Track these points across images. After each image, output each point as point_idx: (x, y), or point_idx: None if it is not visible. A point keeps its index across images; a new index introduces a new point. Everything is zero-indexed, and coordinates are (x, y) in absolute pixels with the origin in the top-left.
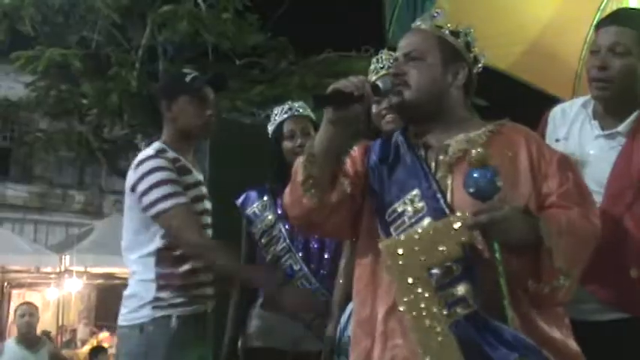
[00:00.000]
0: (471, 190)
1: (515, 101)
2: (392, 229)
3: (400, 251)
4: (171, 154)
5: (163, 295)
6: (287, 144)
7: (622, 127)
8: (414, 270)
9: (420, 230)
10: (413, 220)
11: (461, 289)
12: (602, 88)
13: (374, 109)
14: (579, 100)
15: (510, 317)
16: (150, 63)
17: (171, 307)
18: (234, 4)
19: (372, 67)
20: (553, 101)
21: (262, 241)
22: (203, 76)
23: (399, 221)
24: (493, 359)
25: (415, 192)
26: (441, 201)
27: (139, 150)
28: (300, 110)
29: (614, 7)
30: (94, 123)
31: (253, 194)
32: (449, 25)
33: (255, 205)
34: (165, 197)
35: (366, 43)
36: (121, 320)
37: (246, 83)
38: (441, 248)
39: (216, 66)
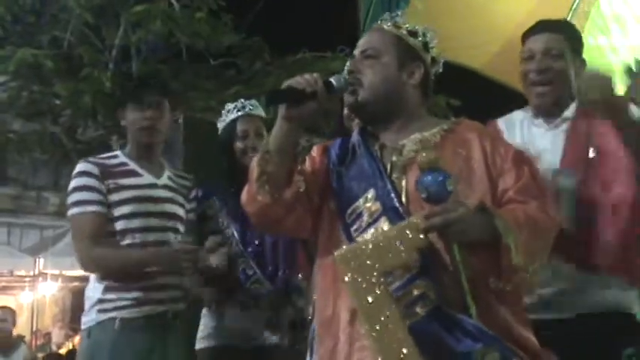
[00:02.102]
0: (423, 195)
1: (489, 101)
2: (352, 230)
3: (353, 262)
4: (121, 159)
5: (109, 296)
6: (239, 144)
7: (568, 112)
8: (369, 279)
9: (373, 238)
10: (370, 221)
11: (419, 288)
12: (543, 93)
13: (345, 110)
14: (517, 111)
15: (474, 314)
16: (123, 63)
17: (116, 309)
18: (208, 3)
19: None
20: (522, 97)
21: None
22: (140, 80)
23: (358, 223)
24: (458, 352)
25: (371, 193)
26: (395, 201)
27: (113, 151)
28: (252, 109)
29: (585, 8)
30: (68, 124)
31: (199, 193)
32: (407, 25)
33: (202, 205)
34: (74, 204)
35: (341, 43)
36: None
37: (221, 83)
38: (395, 255)
39: (190, 66)
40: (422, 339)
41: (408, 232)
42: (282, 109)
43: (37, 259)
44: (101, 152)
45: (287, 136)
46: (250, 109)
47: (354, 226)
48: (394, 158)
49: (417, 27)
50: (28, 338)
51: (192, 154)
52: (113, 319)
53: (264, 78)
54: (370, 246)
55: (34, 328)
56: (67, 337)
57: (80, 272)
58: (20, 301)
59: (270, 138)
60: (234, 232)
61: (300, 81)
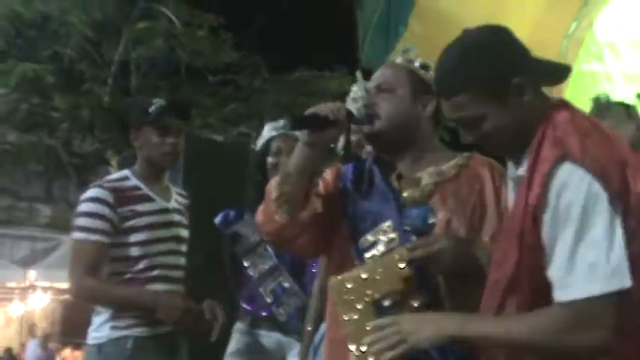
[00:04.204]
0: (407, 228)
1: None
2: (365, 257)
3: (347, 286)
4: (133, 181)
5: (122, 314)
6: (271, 159)
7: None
8: (355, 305)
9: (362, 268)
10: (385, 250)
11: None
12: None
13: (353, 137)
14: None
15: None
16: (122, 78)
17: (128, 328)
18: (209, 21)
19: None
20: None
21: (246, 260)
22: (165, 105)
23: (373, 250)
24: None
25: (388, 223)
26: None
27: (109, 165)
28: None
29: (580, 35)
30: (65, 137)
31: (232, 213)
32: (419, 59)
33: (236, 225)
34: (80, 228)
35: (339, 63)
36: (88, 338)
37: (219, 100)
38: (381, 285)
39: (189, 83)
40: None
41: (393, 263)
42: (304, 135)
43: (28, 271)
44: (97, 165)
45: (307, 160)
46: (288, 129)
47: (369, 254)
48: (411, 190)
49: (428, 61)
50: (17, 351)
51: (193, 171)
52: (126, 337)
53: (262, 96)
54: (360, 275)
55: (23, 341)
56: (57, 350)
57: None
58: (10, 313)
59: (291, 161)
60: (267, 247)
61: (324, 109)
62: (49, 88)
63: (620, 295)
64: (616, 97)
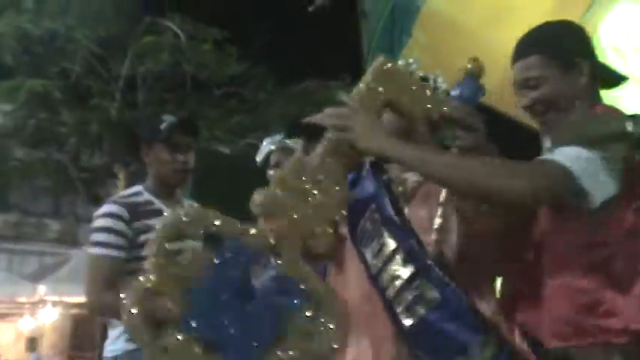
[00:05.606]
0: (456, 92)
1: (492, 131)
2: (361, 245)
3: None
4: (145, 196)
5: None
6: (270, 173)
7: (547, 144)
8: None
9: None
10: (373, 231)
11: (420, 288)
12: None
13: None
14: None
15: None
16: (129, 92)
17: None
18: (213, 34)
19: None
20: (527, 131)
21: None
22: (175, 123)
23: (366, 236)
24: (460, 342)
25: (373, 206)
26: (390, 211)
27: (117, 178)
28: (289, 144)
29: None
30: (73, 152)
31: None
32: (419, 72)
33: None
34: (96, 244)
35: (345, 72)
36: (104, 351)
37: (225, 113)
38: (419, 100)
39: (195, 96)
40: (425, 335)
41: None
42: (296, 142)
43: (38, 286)
44: (105, 179)
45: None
46: (286, 143)
47: (363, 241)
48: (400, 189)
49: (429, 74)
50: None
51: (202, 183)
52: (141, 349)
53: (267, 107)
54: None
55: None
56: None
57: (80, 299)
58: (20, 327)
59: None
60: None
61: (319, 118)
62: (57, 103)
63: (580, 192)
64: (625, 101)
